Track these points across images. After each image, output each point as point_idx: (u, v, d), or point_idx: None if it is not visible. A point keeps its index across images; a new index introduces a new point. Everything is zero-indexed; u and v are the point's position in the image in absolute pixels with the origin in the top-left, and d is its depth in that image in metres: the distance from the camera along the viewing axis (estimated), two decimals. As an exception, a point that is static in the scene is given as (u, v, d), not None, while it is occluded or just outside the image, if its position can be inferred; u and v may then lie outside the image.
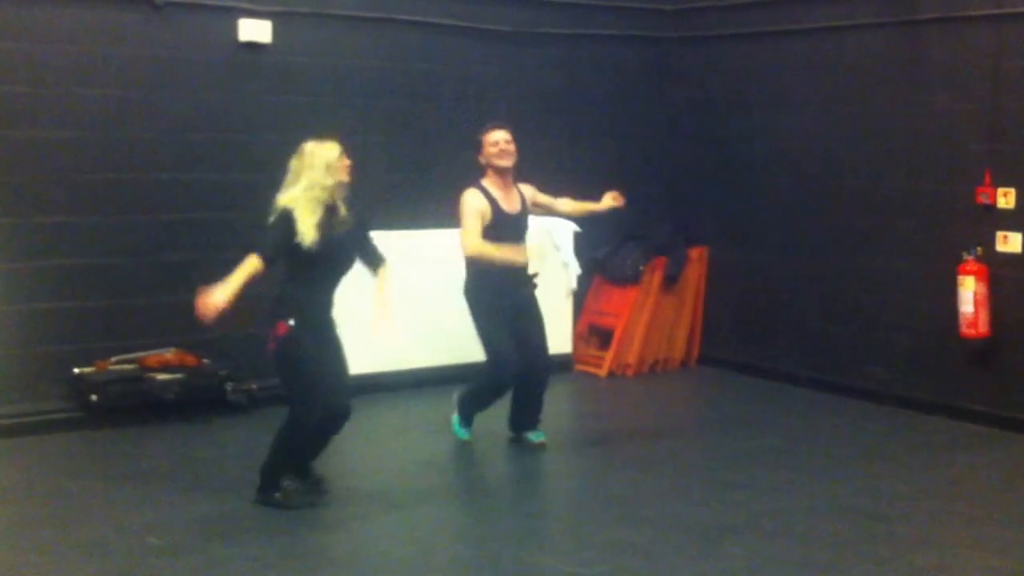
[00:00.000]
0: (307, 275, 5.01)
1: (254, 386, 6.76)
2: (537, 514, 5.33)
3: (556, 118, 8.11)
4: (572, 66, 8.19)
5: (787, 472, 5.85)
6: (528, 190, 6.19)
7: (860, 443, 6.51)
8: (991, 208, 6.68)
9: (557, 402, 7.75)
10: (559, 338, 8.07)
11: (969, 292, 6.64)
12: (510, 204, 5.97)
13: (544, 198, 6.28)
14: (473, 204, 5.87)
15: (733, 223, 8.26)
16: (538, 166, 8.00)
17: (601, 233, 8.08)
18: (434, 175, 7.55)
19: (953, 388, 6.95)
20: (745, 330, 8.19)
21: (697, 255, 8.36)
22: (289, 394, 5.17)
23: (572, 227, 7.92)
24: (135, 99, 6.61)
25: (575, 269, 8.07)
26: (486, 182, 5.99)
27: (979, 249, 6.68)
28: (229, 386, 6.68)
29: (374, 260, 5.30)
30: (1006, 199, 6.63)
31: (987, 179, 6.68)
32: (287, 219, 4.94)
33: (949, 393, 6.96)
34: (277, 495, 5.12)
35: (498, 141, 5.95)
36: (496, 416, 6.24)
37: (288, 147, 6.96)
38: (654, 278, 8.16)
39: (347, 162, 5.11)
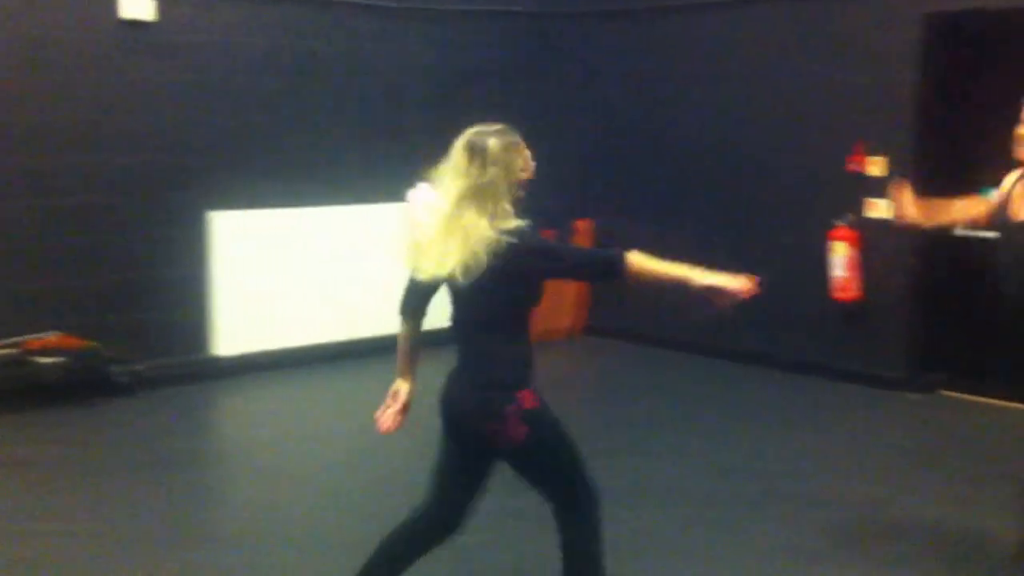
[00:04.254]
0: (529, 315, 3.49)
1: (140, 367, 6.69)
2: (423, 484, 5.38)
3: (445, 95, 8.12)
4: (461, 43, 8.21)
5: (675, 436, 6.01)
6: None
7: (743, 406, 6.73)
8: (861, 176, 6.96)
9: (445, 372, 7.83)
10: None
11: (840, 257, 6.92)
12: (1020, 207, 4.04)
13: None
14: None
15: (620, 196, 8.41)
16: (427, 144, 8.03)
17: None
18: (321, 152, 7.53)
19: (828, 349, 7.23)
20: (630, 299, 8.33)
21: (583, 227, 8.50)
22: (558, 489, 3.52)
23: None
24: (14, 81, 6.40)
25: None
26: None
27: (850, 215, 6.96)
28: (115, 368, 6.58)
29: None
30: (876, 167, 6.91)
31: (858, 148, 6.95)
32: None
33: (825, 355, 7.23)
34: None
35: None
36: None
37: (177, 127, 6.93)
38: (541, 250, 8.25)
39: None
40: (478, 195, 3.30)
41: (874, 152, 6.91)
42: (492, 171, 3.31)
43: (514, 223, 3.33)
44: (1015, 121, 3.89)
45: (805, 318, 7.34)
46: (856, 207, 6.98)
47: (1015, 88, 4.21)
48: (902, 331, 6.90)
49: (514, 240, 3.27)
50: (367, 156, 7.75)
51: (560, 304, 8.44)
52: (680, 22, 7.95)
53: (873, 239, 6.92)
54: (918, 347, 6.92)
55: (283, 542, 4.58)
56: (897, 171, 6.81)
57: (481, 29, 8.29)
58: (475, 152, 3.32)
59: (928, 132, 6.75)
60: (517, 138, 3.41)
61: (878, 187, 6.90)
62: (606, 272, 3.40)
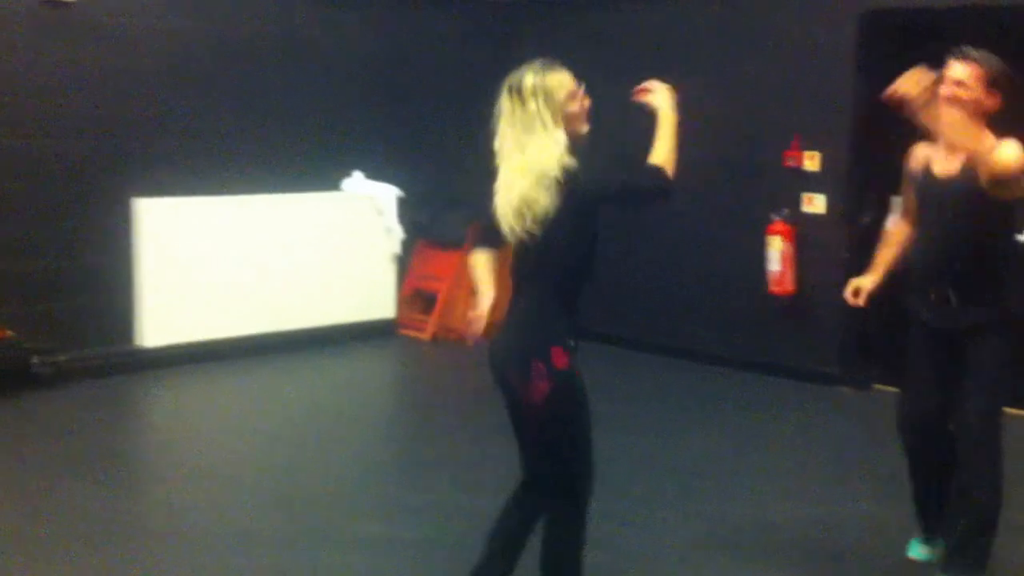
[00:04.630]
0: (589, 267, 3.38)
1: (62, 358, 6.49)
2: (358, 480, 5.30)
3: (386, 83, 7.99)
4: (404, 30, 8.08)
5: (606, 431, 5.95)
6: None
7: (673, 401, 6.72)
8: (798, 171, 6.97)
9: (381, 366, 7.75)
10: (383, 303, 8.07)
11: (776, 251, 6.93)
12: (947, 165, 4.06)
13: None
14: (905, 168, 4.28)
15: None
16: (368, 134, 7.93)
17: (425, 197, 8.07)
18: (252, 139, 7.36)
19: (763, 344, 7.24)
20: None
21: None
22: (558, 464, 3.39)
23: (395, 191, 7.87)
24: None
25: (398, 234, 8.02)
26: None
27: (786, 210, 6.97)
28: (35, 359, 6.38)
29: None
30: (812, 162, 6.93)
31: (795, 143, 6.96)
32: None
33: (760, 350, 7.25)
34: None
35: (947, 78, 4.03)
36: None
37: (101, 111, 6.72)
38: (478, 242, 8.17)
39: None
40: (525, 133, 3.24)
41: (811, 147, 6.93)
42: (532, 104, 3.23)
43: (565, 159, 3.23)
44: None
45: (740, 313, 7.34)
46: (792, 202, 6.99)
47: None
48: (836, 326, 6.92)
49: (568, 177, 3.19)
50: (299, 144, 7.60)
51: (498, 298, 8.34)
52: (615, 15, 7.90)
53: (809, 234, 6.94)
54: (852, 342, 6.96)
55: (209, 538, 4.46)
56: (833, 166, 6.87)
57: (426, 17, 8.16)
58: (512, 91, 3.27)
59: (864, 128, 6.78)
60: (560, 69, 3.33)
61: (815, 182, 6.94)
62: (658, 196, 3.46)
